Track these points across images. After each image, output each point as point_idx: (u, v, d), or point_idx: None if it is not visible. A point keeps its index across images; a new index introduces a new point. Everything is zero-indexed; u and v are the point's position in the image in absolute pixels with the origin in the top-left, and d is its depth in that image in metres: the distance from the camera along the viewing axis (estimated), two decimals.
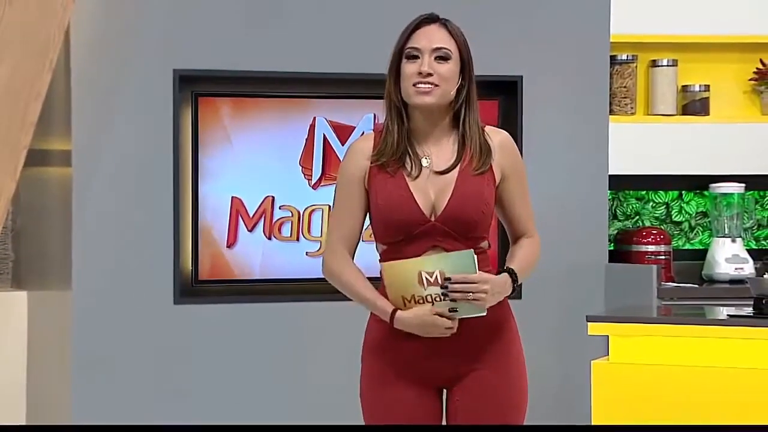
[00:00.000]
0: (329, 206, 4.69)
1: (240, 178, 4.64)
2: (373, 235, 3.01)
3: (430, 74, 2.91)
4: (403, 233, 2.92)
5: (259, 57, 4.60)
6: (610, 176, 4.94)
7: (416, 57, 2.93)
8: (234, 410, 4.59)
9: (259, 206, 4.66)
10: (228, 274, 4.63)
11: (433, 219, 2.92)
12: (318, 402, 4.63)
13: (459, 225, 2.91)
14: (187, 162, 4.58)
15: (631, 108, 5.20)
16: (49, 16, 4.15)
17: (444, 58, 2.94)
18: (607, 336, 3.54)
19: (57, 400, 4.64)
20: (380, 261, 2.98)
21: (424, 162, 2.95)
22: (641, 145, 5.14)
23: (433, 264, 2.89)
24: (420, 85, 2.91)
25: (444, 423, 3.01)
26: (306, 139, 4.68)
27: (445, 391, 2.99)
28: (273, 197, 4.67)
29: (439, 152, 2.96)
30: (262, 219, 4.66)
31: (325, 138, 4.69)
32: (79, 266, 4.47)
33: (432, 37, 2.95)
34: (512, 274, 2.94)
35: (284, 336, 4.64)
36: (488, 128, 3.02)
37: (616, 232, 5.33)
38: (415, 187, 2.93)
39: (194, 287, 4.60)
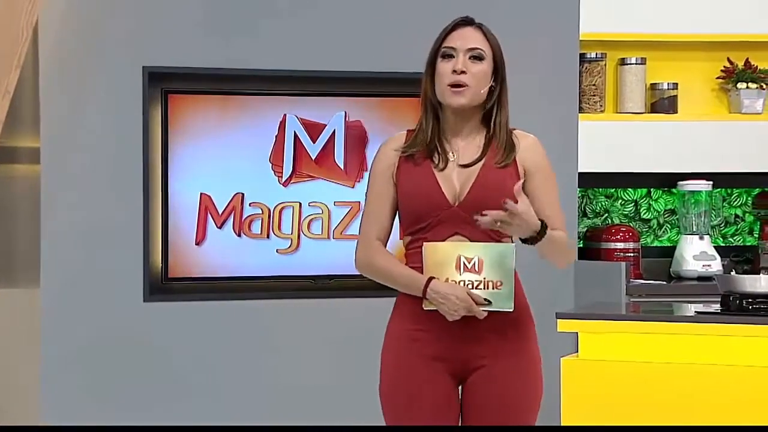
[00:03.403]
0: (300, 204, 4.70)
1: (209, 175, 4.63)
2: (399, 230, 3.11)
3: (464, 72, 3.02)
4: (426, 218, 3.03)
5: (229, 54, 4.59)
6: (579, 174, 4.96)
7: (451, 56, 3.05)
8: (204, 408, 4.57)
9: (229, 203, 4.65)
10: (198, 272, 4.62)
11: (455, 205, 3.02)
12: (287, 400, 4.62)
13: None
14: (157, 159, 4.57)
15: (600, 106, 5.22)
16: (17, 13, 4.13)
17: (478, 58, 3.06)
18: (577, 333, 3.55)
19: (25, 400, 4.61)
20: (405, 254, 3.09)
21: (450, 156, 3.06)
22: (610, 142, 5.17)
23: (474, 250, 3.01)
24: (454, 87, 3.02)
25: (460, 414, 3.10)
26: (276, 137, 4.68)
27: (460, 386, 3.09)
28: (243, 194, 4.66)
29: (466, 147, 3.07)
30: (232, 216, 4.65)
31: (296, 135, 4.69)
32: (48, 264, 4.45)
33: (467, 38, 3.07)
34: (544, 225, 3.01)
35: (255, 334, 4.63)
36: (517, 131, 3.13)
37: (585, 229, 5.36)
38: (441, 177, 3.05)
39: (164, 285, 4.59)
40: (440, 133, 3.08)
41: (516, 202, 2.94)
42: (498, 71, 3.09)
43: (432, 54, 3.08)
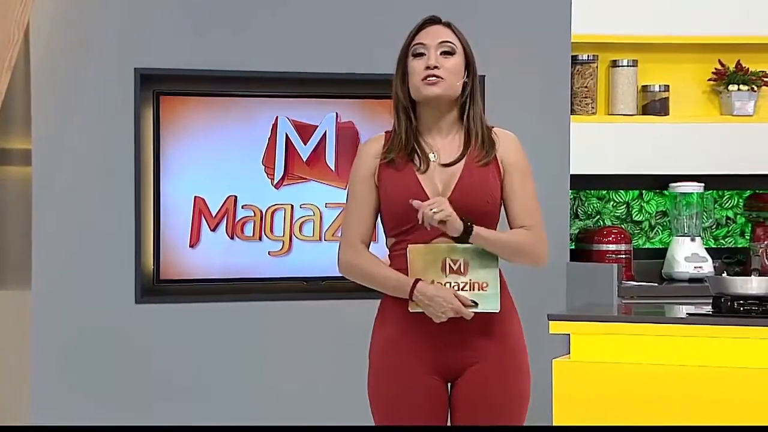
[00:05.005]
0: (292, 206, 4.70)
1: (202, 177, 4.63)
2: (383, 231, 3.10)
3: (437, 67, 3.02)
4: (411, 221, 3.01)
5: (221, 56, 4.59)
6: (572, 176, 4.97)
7: (422, 54, 3.05)
8: (196, 409, 4.57)
9: (222, 206, 4.65)
10: (190, 274, 4.62)
11: None
12: (280, 401, 4.62)
13: (465, 213, 3.00)
14: (149, 161, 4.56)
15: (592, 108, 5.23)
16: (8, 15, 4.12)
17: (449, 52, 3.06)
18: (569, 334, 3.56)
19: (15, 401, 4.61)
20: (389, 256, 3.08)
21: (432, 156, 3.05)
22: (602, 144, 5.17)
23: (459, 252, 3.00)
24: (428, 78, 3.01)
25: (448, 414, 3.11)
26: (268, 139, 4.68)
27: (449, 384, 3.09)
28: (236, 197, 4.66)
29: (445, 146, 3.07)
30: (225, 218, 4.65)
31: (287, 137, 4.69)
32: (39, 265, 4.44)
33: (437, 34, 3.07)
34: (469, 224, 2.98)
35: (246, 336, 4.63)
36: (496, 129, 3.13)
37: (577, 231, 5.36)
38: (423, 179, 3.04)
39: (156, 287, 4.59)
40: (417, 133, 3.07)
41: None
42: (469, 66, 3.09)
43: (402, 53, 3.08)
